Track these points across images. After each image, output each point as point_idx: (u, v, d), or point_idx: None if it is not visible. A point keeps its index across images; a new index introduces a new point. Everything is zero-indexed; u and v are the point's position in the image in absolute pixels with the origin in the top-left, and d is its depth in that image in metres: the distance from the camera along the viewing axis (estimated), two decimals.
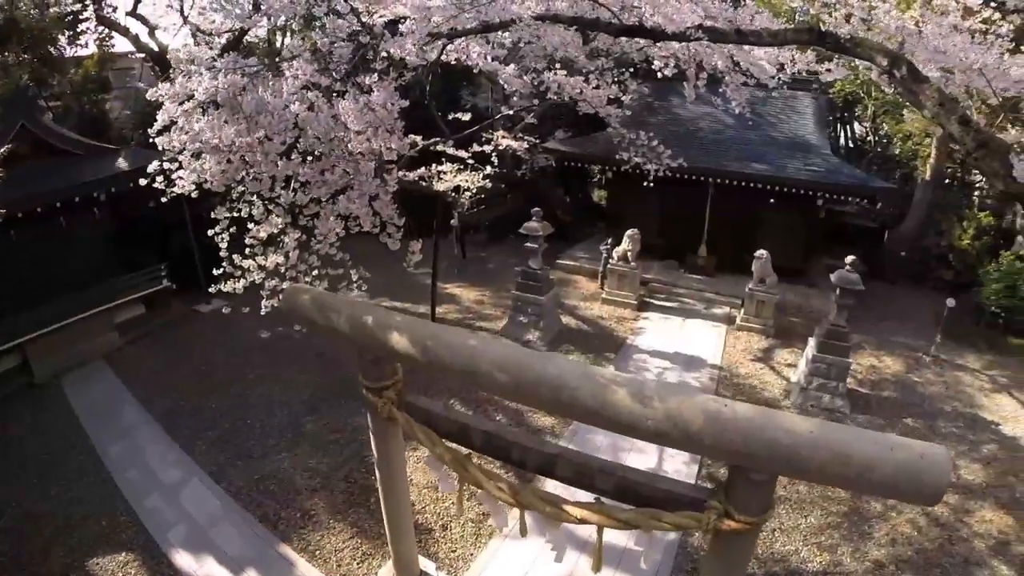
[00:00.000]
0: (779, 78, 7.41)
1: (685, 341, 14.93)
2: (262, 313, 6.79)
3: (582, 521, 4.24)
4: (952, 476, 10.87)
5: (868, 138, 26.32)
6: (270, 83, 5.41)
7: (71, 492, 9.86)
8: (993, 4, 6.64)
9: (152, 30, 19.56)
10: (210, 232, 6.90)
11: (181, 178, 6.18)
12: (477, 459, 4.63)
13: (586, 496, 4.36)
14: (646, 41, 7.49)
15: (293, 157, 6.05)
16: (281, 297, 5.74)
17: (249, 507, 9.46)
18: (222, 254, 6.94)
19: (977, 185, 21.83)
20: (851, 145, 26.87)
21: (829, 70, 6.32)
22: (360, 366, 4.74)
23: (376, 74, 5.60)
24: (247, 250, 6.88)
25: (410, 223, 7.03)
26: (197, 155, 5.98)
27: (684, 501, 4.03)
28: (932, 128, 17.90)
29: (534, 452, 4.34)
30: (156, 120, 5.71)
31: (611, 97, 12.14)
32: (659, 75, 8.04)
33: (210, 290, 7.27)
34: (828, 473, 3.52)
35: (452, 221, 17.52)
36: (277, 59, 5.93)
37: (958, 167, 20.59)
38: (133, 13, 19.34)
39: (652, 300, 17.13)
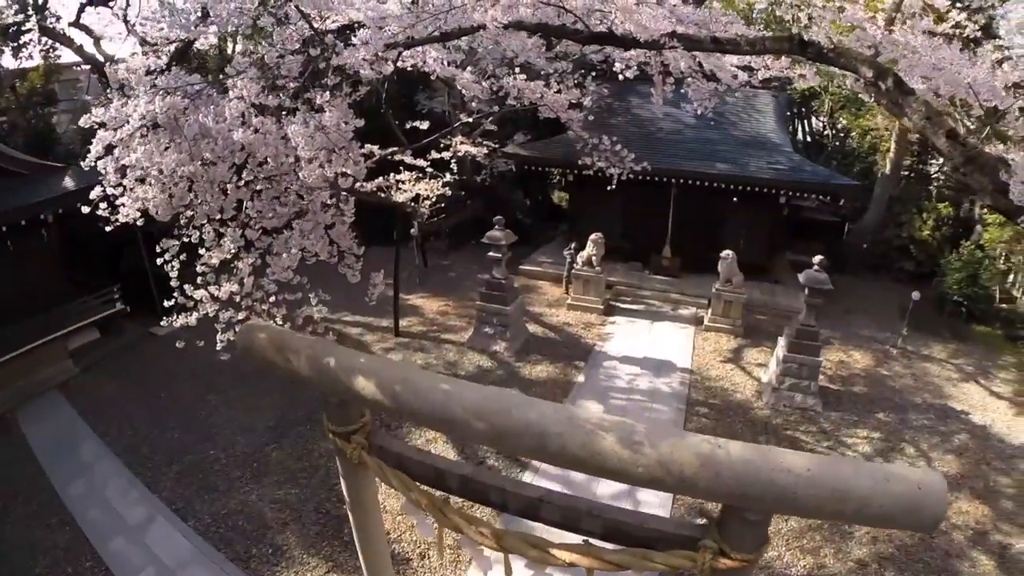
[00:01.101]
0: (748, 80, 7.23)
1: (654, 345, 14.81)
2: (218, 348, 6.39)
3: (571, 564, 3.99)
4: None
5: (826, 132, 26.67)
6: (213, 104, 5.03)
7: (32, 537, 9.27)
8: (959, 5, 6.60)
9: (97, 40, 18.75)
10: (159, 261, 6.47)
11: (124, 205, 5.77)
12: (456, 502, 4.35)
13: (573, 537, 4.12)
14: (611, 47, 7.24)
15: (244, 178, 5.68)
16: (236, 333, 5.37)
17: (218, 545, 9.01)
18: (173, 283, 6.51)
19: (933, 176, 22.29)
20: (809, 140, 27.18)
21: (803, 76, 6.17)
22: (325, 409, 4.41)
23: (327, 91, 5.25)
24: (199, 278, 6.46)
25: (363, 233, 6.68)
26: (142, 179, 5.58)
27: (676, 540, 3.81)
28: (891, 123, 18.15)
29: (515, 496, 4.06)
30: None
31: (572, 102, 11.94)
32: (620, 77, 7.84)
33: (162, 323, 6.82)
34: (826, 510, 3.41)
35: (412, 230, 17.14)
36: (221, 76, 5.54)
37: (916, 159, 20.95)
38: (77, 23, 18.51)
39: (618, 304, 17.02)
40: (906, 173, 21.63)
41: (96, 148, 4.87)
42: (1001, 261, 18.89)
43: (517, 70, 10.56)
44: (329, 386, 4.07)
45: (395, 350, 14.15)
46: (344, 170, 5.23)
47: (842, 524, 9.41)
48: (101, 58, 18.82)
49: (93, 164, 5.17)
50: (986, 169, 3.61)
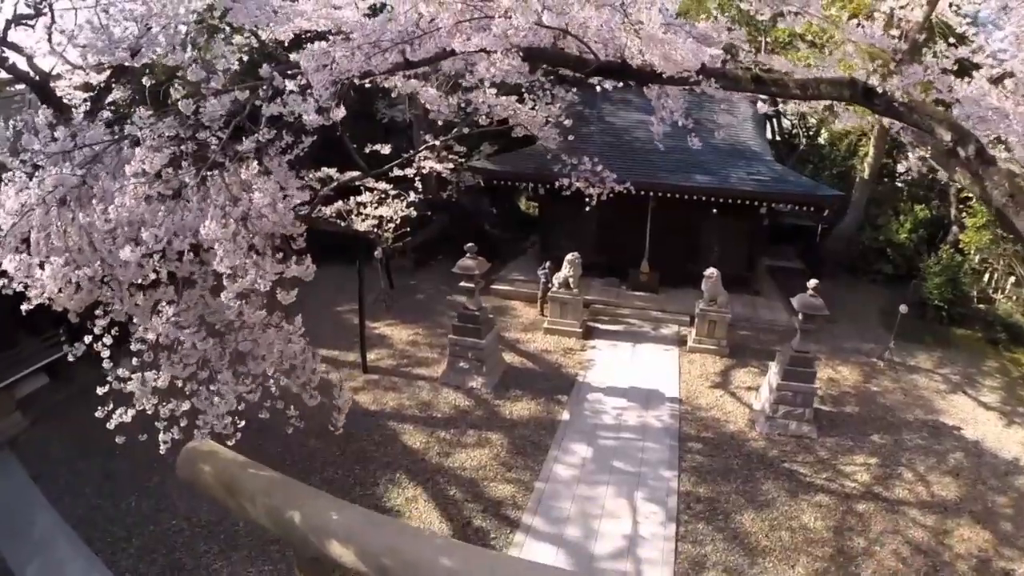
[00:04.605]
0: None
1: (639, 371, 14.05)
2: (161, 451, 5.44)
3: None
4: (927, 494, 10.59)
5: (795, 132, 26.44)
6: (117, 170, 4.08)
7: None
8: (968, 19, 6.05)
9: (29, 58, 17.35)
10: (87, 340, 5.49)
11: (42, 282, 4.84)
12: None
13: None
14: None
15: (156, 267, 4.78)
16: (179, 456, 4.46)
17: None
18: (105, 365, 5.53)
19: (900, 175, 22.14)
20: (778, 139, 26.88)
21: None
22: (296, 560, 3.59)
23: (255, 157, 4.26)
24: (134, 359, 5.50)
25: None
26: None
27: None
28: (871, 128, 17.80)
29: None
30: None
31: (552, 121, 11.26)
32: (598, 89, 7.14)
33: (96, 414, 5.83)
34: None
35: (376, 253, 16.16)
36: (126, 132, 4.59)
37: (891, 161, 20.74)
38: (4, 42, 17.11)
39: (597, 325, 16.28)
40: (879, 174, 21.44)
41: None
42: (976, 261, 18.82)
43: (487, 84, 9.73)
44: (296, 544, 3.25)
45: (364, 390, 13.12)
46: (292, 271, 4.23)
47: (847, 564, 9.03)
48: (35, 76, 17.49)
49: None
50: None
